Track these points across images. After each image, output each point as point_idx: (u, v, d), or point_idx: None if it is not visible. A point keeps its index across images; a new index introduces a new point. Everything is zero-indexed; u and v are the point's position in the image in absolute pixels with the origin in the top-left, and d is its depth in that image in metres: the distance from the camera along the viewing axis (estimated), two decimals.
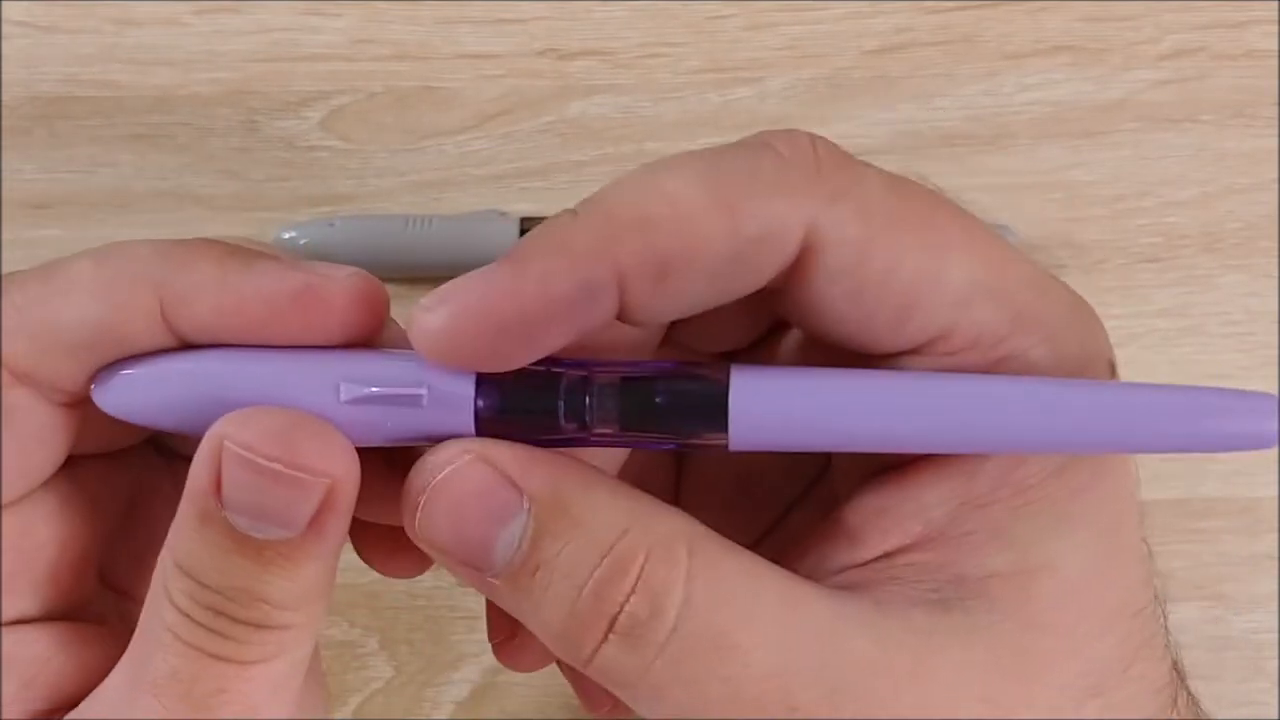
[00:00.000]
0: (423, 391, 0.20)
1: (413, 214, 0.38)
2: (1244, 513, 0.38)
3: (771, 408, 0.20)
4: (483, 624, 0.37)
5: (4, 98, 0.40)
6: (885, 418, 0.19)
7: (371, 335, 0.21)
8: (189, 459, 0.24)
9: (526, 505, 0.19)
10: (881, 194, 0.19)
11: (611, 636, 0.19)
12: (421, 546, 0.20)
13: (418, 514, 0.20)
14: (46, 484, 0.22)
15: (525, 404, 0.20)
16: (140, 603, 0.21)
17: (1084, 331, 0.20)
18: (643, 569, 0.19)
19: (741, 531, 0.24)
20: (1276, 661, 0.37)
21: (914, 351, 0.20)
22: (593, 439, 0.20)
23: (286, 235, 0.38)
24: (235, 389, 0.20)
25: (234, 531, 0.19)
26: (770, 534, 0.25)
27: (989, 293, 0.19)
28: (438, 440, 0.20)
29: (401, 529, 0.23)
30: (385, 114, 0.40)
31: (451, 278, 0.40)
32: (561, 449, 0.20)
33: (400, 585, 0.37)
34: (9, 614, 0.22)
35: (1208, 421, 0.19)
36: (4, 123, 0.39)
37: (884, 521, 0.20)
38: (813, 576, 0.21)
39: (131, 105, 0.40)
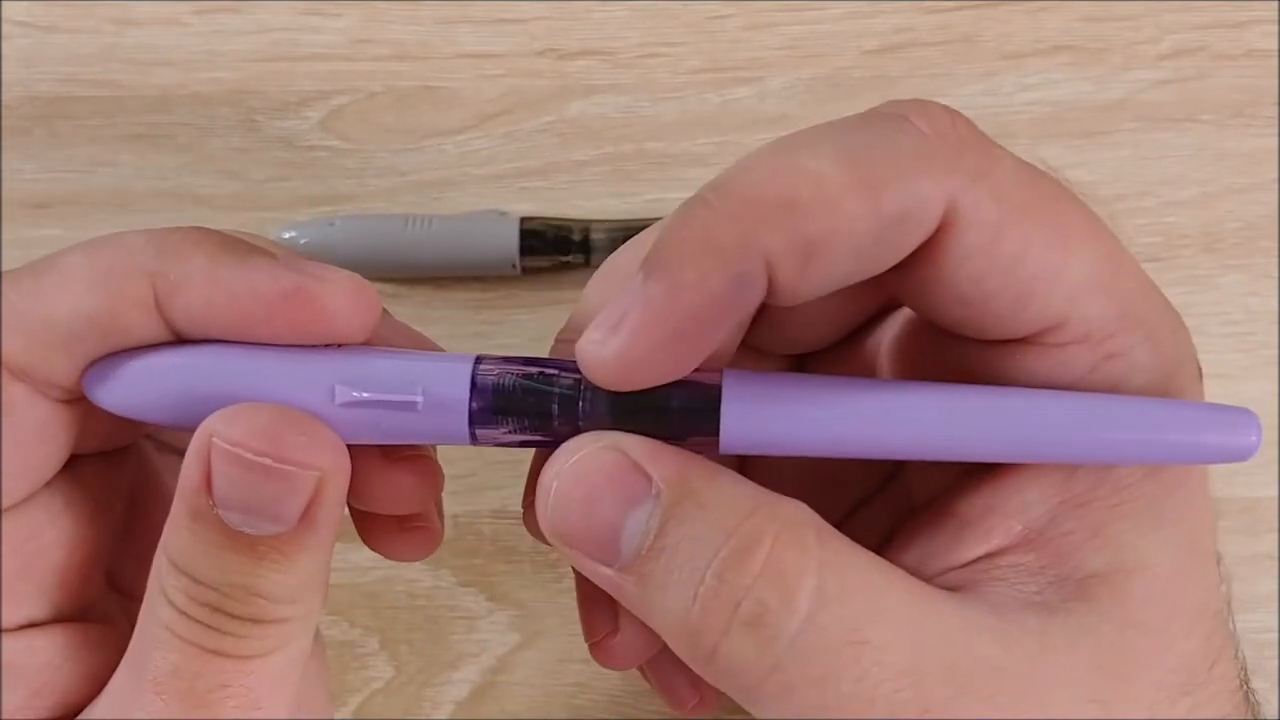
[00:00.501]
0: (418, 398, 0.20)
1: (413, 214, 0.38)
2: (1244, 513, 0.38)
3: (762, 412, 0.20)
4: (483, 624, 0.37)
5: (4, 98, 0.40)
6: (873, 425, 0.19)
7: (361, 337, 0.21)
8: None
9: (655, 491, 0.19)
10: (1015, 179, 0.19)
11: (737, 626, 0.18)
12: (550, 539, 0.20)
13: (549, 500, 0.20)
14: (50, 485, 0.22)
15: (519, 406, 0.20)
16: None
17: (1179, 334, 0.21)
18: (770, 551, 0.18)
19: None
20: (1276, 661, 0.37)
21: (1024, 341, 0.20)
22: None
23: (286, 235, 0.38)
24: (229, 386, 0.20)
25: (226, 528, 0.19)
26: (849, 531, 0.25)
27: (1103, 289, 0.19)
28: (433, 441, 0.21)
29: (403, 515, 0.23)
30: (385, 114, 0.40)
31: (451, 278, 0.40)
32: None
33: (400, 585, 0.37)
34: (16, 619, 0.22)
35: (1189, 435, 0.19)
36: (4, 123, 0.39)
37: (987, 521, 0.20)
38: (915, 573, 0.20)
39: (131, 105, 0.40)
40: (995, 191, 0.19)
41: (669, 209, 0.40)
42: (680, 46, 0.40)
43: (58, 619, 0.22)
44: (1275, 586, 0.37)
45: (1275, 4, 0.40)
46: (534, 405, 0.20)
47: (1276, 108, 0.40)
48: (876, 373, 0.24)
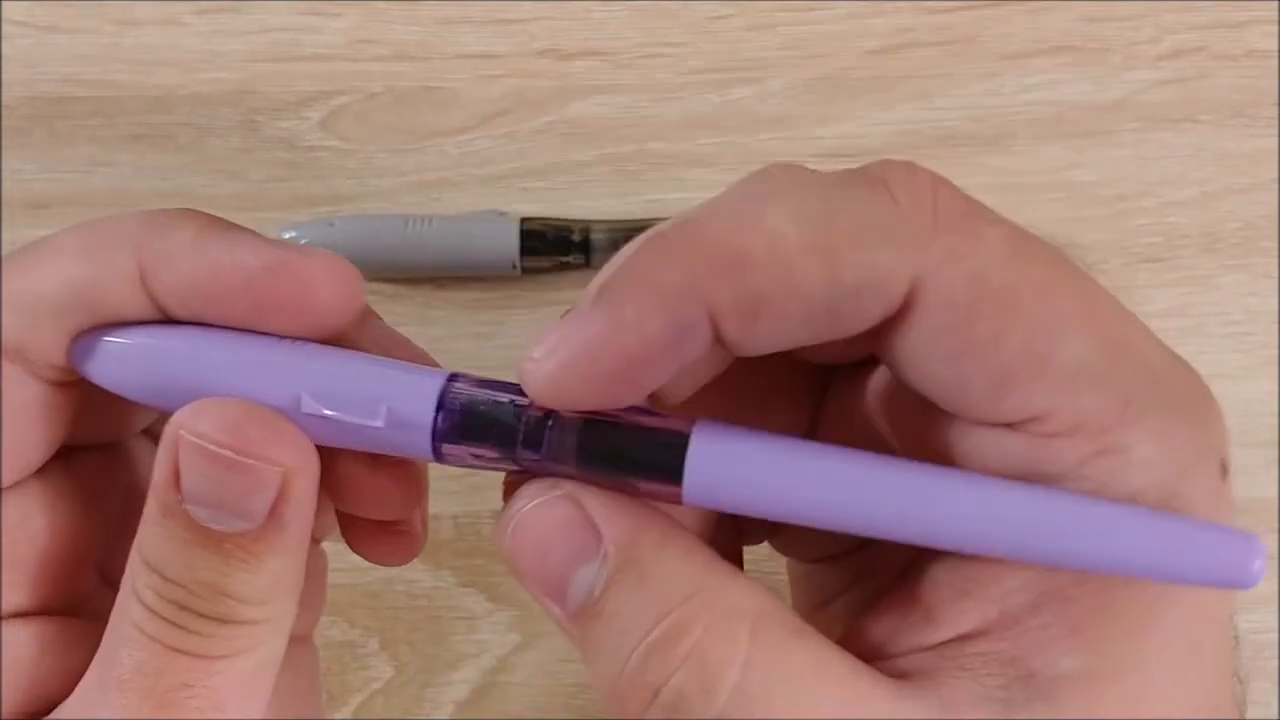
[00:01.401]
0: (379, 422, 0.20)
1: (413, 214, 0.38)
2: (1244, 513, 0.37)
3: (729, 471, 0.19)
4: (482, 624, 0.37)
5: (4, 98, 0.40)
6: (838, 499, 0.19)
7: (343, 319, 0.21)
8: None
9: (603, 552, 0.19)
10: (999, 257, 0.18)
11: (656, 709, 0.18)
12: (511, 573, 0.20)
13: (506, 538, 0.20)
14: (42, 473, 0.22)
15: (485, 432, 0.20)
16: None
17: (1198, 426, 0.19)
18: (698, 642, 0.18)
19: (831, 548, 0.23)
20: (1276, 661, 0.37)
21: (1007, 426, 0.19)
22: (549, 471, 0.20)
23: (286, 235, 0.38)
24: (201, 374, 0.20)
25: (195, 524, 0.19)
26: (856, 558, 0.24)
27: (1099, 379, 0.18)
28: (399, 454, 0.21)
29: (386, 521, 0.23)
30: (385, 114, 0.40)
31: (451, 278, 0.40)
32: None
33: (400, 585, 0.37)
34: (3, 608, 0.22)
35: (1188, 556, 0.18)
36: (4, 123, 0.39)
37: (962, 603, 0.19)
38: (882, 649, 0.20)
39: (131, 105, 0.40)
40: (970, 272, 0.18)
41: (669, 209, 0.40)
42: (680, 46, 0.40)
43: (43, 611, 0.22)
44: (1275, 586, 0.37)
45: (1275, 4, 0.40)
46: (499, 432, 0.20)
47: (1276, 108, 0.40)
48: (876, 408, 0.23)
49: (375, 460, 0.22)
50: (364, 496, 0.22)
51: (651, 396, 0.20)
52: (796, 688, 0.18)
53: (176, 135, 0.39)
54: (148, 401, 0.21)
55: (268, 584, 0.20)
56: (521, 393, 0.20)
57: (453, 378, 0.20)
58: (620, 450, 0.19)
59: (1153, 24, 0.40)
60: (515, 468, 0.20)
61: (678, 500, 0.19)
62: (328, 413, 0.20)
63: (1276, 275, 0.39)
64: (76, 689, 0.21)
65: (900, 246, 0.18)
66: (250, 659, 0.20)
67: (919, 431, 0.20)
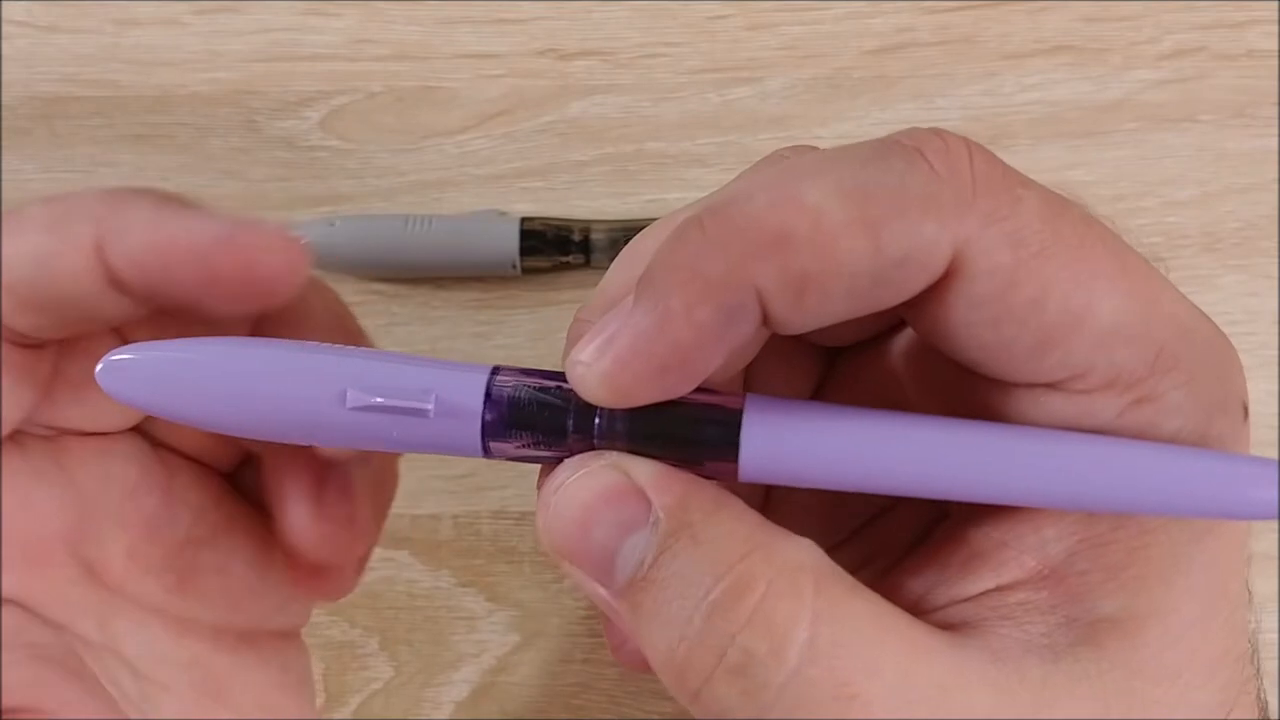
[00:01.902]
0: (429, 406, 0.20)
1: (413, 214, 0.38)
2: None
3: (783, 443, 0.19)
4: (483, 624, 0.37)
5: (4, 98, 0.40)
6: (892, 463, 0.19)
7: (289, 289, 0.21)
8: (177, 450, 0.23)
9: (653, 518, 0.19)
10: (1036, 219, 0.18)
11: (722, 673, 0.18)
12: (550, 552, 0.20)
13: (548, 515, 0.19)
14: (24, 450, 0.22)
15: (534, 420, 0.20)
16: (130, 598, 0.22)
17: (1222, 373, 0.20)
18: (762, 598, 0.18)
19: (834, 530, 0.23)
20: (1276, 661, 0.37)
21: (1047, 386, 0.19)
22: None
23: None
24: (239, 382, 0.20)
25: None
26: (864, 537, 0.24)
27: (1133, 332, 0.18)
28: (444, 451, 0.20)
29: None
30: (385, 114, 0.40)
31: (451, 278, 0.40)
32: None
33: (400, 585, 0.37)
34: None
35: (1209, 489, 0.18)
36: (4, 123, 0.39)
37: (1001, 554, 0.20)
38: (920, 604, 0.20)
39: (131, 105, 0.40)
40: (1011, 235, 0.18)
41: (669, 209, 0.40)
42: (680, 46, 0.40)
43: (10, 601, 0.22)
44: (1275, 586, 0.37)
45: (1275, 4, 0.40)
46: (549, 420, 0.20)
47: (1276, 108, 0.40)
48: (900, 380, 0.23)
49: (320, 507, 0.22)
50: (307, 540, 0.23)
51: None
52: (862, 641, 0.18)
53: (176, 135, 0.39)
54: (179, 418, 0.21)
55: None
56: (566, 379, 0.20)
57: (496, 370, 0.20)
58: (673, 430, 0.19)
59: (1153, 24, 0.40)
60: (562, 456, 0.20)
61: (733, 477, 0.19)
62: (377, 400, 0.19)
63: (1276, 275, 0.39)
64: None
65: (942, 215, 0.18)
66: None
67: (951, 399, 0.21)
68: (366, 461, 0.24)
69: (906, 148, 0.18)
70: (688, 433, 0.19)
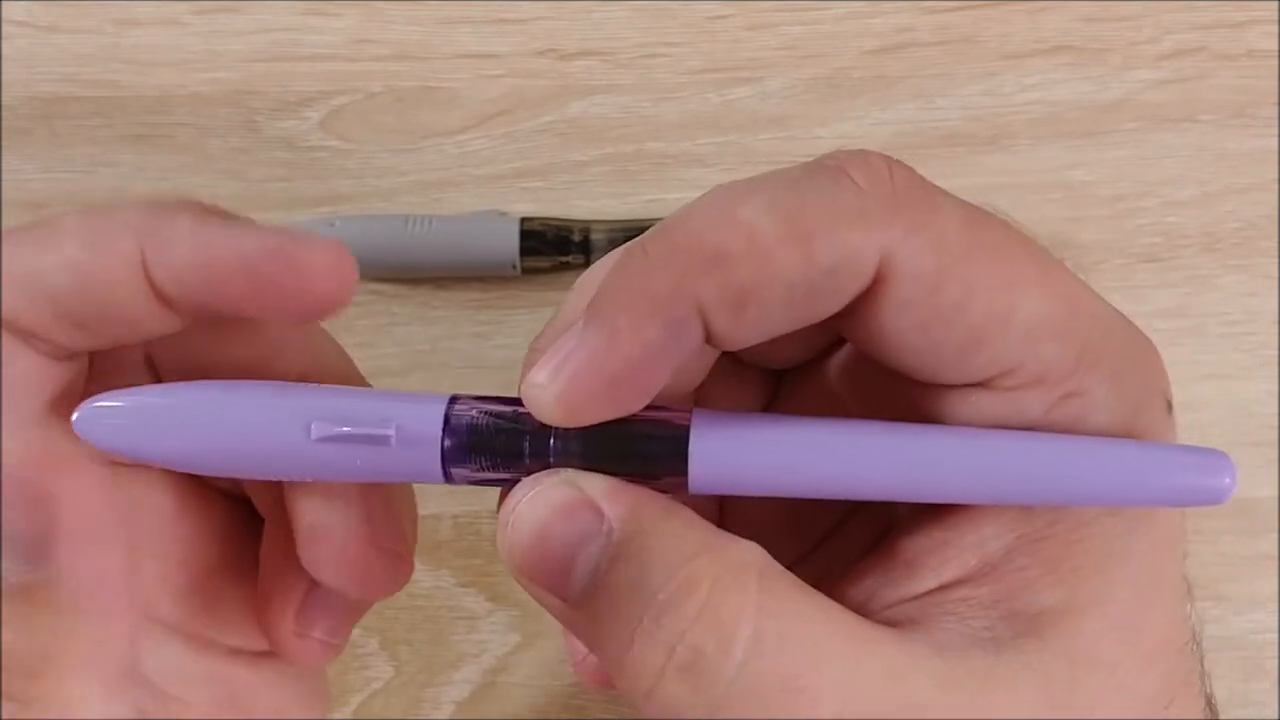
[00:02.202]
0: (390, 432, 0.20)
1: (413, 214, 0.38)
2: (1244, 513, 0.38)
3: (730, 454, 0.20)
4: (483, 624, 0.37)
5: (4, 98, 0.40)
6: (839, 468, 0.19)
7: (340, 302, 0.21)
8: (211, 482, 0.24)
9: (606, 528, 0.19)
10: (957, 226, 0.19)
11: (672, 670, 0.18)
12: (510, 570, 0.20)
13: (506, 534, 0.20)
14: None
15: (492, 445, 0.20)
16: (153, 618, 0.22)
17: (1145, 368, 0.20)
18: (709, 595, 0.18)
19: (788, 549, 0.24)
20: (1276, 661, 0.37)
21: (978, 385, 0.20)
22: None
23: None
24: (211, 424, 0.21)
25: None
26: (817, 555, 0.25)
27: (1057, 330, 0.19)
28: (407, 479, 0.21)
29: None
30: (385, 114, 0.40)
31: (452, 278, 0.40)
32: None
33: None
34: None
35: (1157, 478, 0.19)
36: (4, 123, 0.39)
37: (942, 553, 0.20)
38: (866, 606, 0.21)
39: (131, 105, 0.40)
40: (933, 241, 0.19)
41: (669, 209, 0.40)
42: (680, 46, 0.40)
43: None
44: (1275, 586, 0.37)
45: (1275, 4, 0.40)
46: (506, 444, 0.20)
47: (1276, 108, 0.40)
48: (841, 395, 0.24)
49: (304, 623, 0.23)
50: (288, 650, 0.23)
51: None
52: (808, 635, 0.18)
53: (176, 135, 0.39)
54: (153, 460, 0.21)
55: None
56: (520, 404, 0.20)
57: (454, 399, 0.21)
58: (625, 447, 0.20)
59: (1153, 24, 0.40)
60: (522, 479, 0.21)
61: (684, 489, 0.20)
62: (341, 429, 0.20)
63: (1276, 275, 0.39)
64: None
65: (867, 224, 0.19)
66: None
67: (888, 406, 0.21)
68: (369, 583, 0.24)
69: (831, 168, 0.20)
70: (639, 449, 0.20)
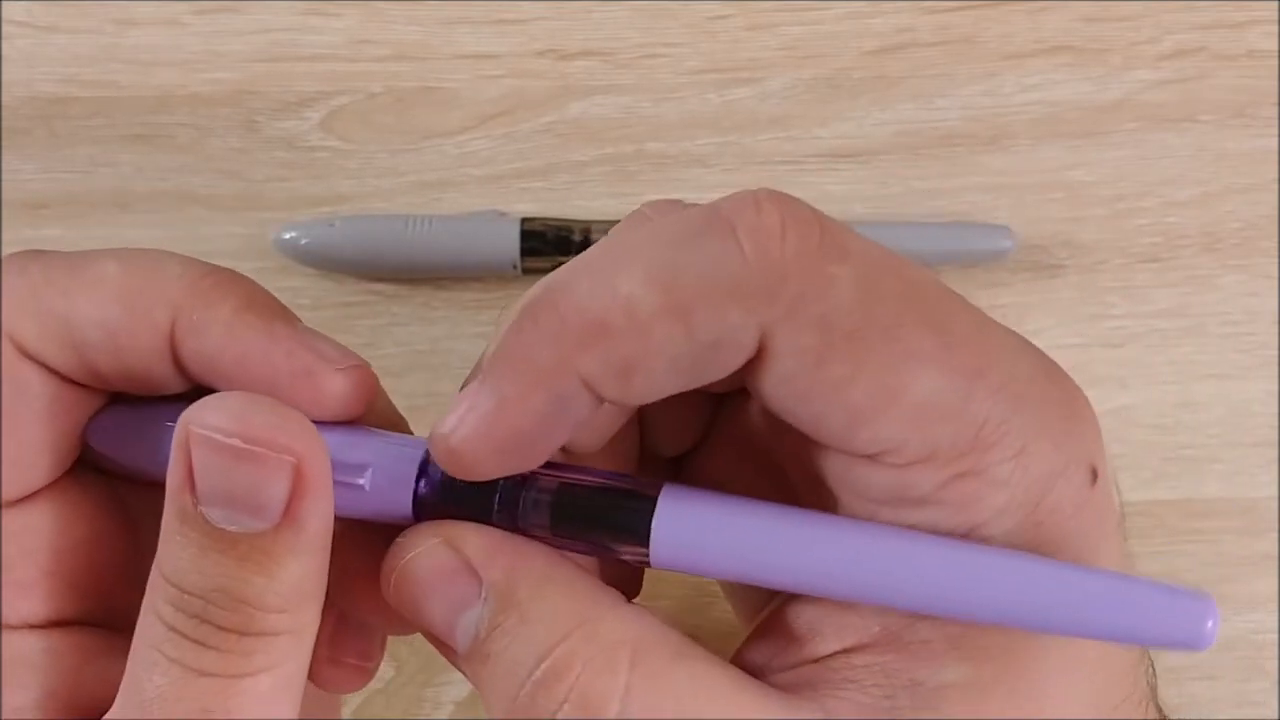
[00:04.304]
0: (363, 481, 0.20)
1: (413, 214, 0.38)
2: (1244, 513, 0.38)
3: (693, 535, 0.20)
4: None
5: (4, 98, 0.40)
6: (803, 563, 0.19)
7: (355, 419, 0.22)
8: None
9: (484, 595, 0.19)
10: (849, 300, 0.18)
11: None
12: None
13: (389, 589, 0.20)
14: (79, 480, 0.22)
15: (462, 498, 0.20)
16: None
17: (1062, 438, 0.19)
18: (578, 680, 0.18)
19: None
20: (1276, 661, 0.37)
21: (865, 457, 0.19)
22: (526, 534, 0.21)
23: (287, 235, 0.38)
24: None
25: (210, 528, 0.19)
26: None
27: (949, 410, 0.19)
28: (380, 520, 0.21)
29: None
30: (385, 114, 0.40)
31: (451, 278, 0.40)
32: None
33: None
34: (40, 615, 0.21)
35: (1138, 620, 0.18)
36: (4, 123, 0.39)
37: (845, 619, 0.20)
38: (765, 668, 0.21)
39: (131, 105, 0.40)
40: (819, 319, 0.18)
41: None
42: (680, 46, 0.40)
43: (84, 620, 0.22)
44: (1275, 586, 0.37)
45: (1275, 4, 0.40)
46: (477, 499, 0.20)
47: (1276, 108, 0.40)
48: (767, 427, 0.23)
49: (334, 650, 0.23)
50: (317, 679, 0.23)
51: (564, 450, 0.21)
52: (679, 709, 0.18)
53: (176, 135, 0.39)
54: (155, 476, 0.21)
55: (288, 589, 0.19)
56: None
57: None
58: (590, 517, 0.20)
59: (1153, 24, 0.40)
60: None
61: (646, 564, 0.20)
62: None
63: (1276, 275, 0.39)
64: (107, 716, 0.20)
65: (746, 302, 0.18)
66: (270, 679, 0.20)
67: (799, 454, 0.21)
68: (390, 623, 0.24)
69: (721, 224, 0.19)
70: (605, 521, 0.20)
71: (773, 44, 0.40)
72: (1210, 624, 0.17)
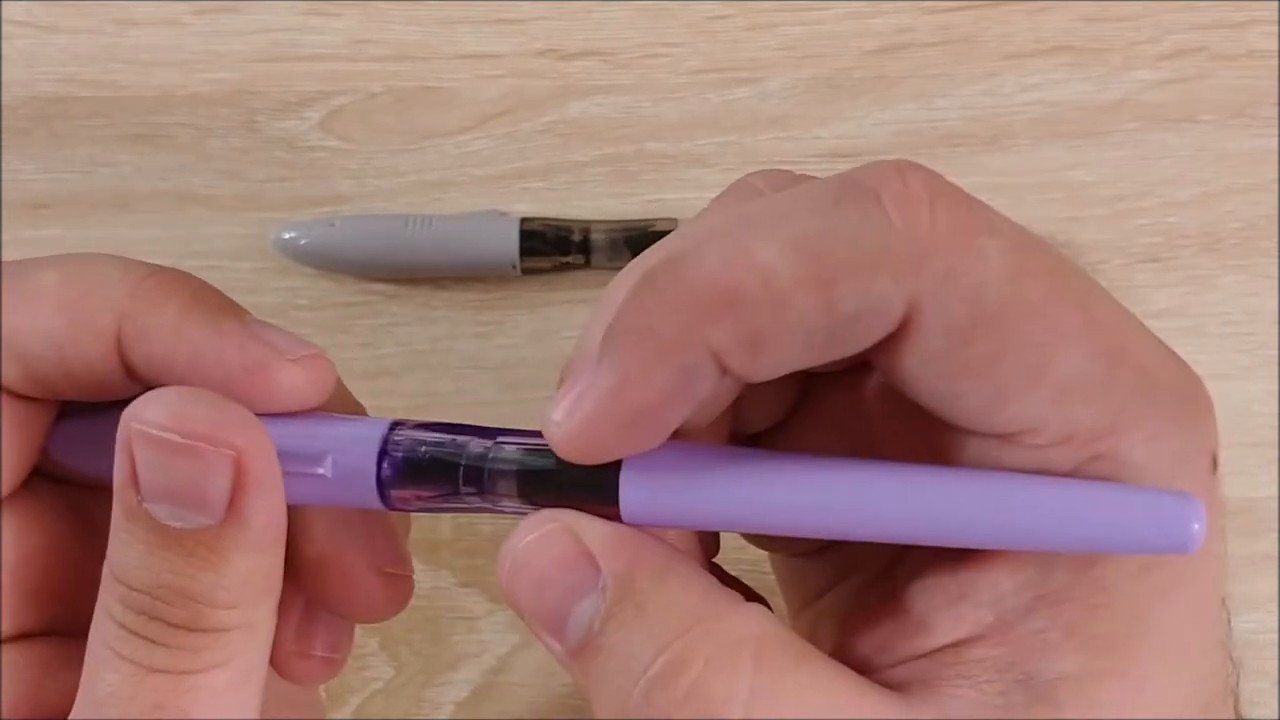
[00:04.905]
0: (324, 471, 0.20)
1: (413, 214, 0.38)
2: (1244, 513, 0.38)
3: (662, 484, 0.19)
4: (483, 624, 0.37)
5: (4, 98, 0.40)
6: (772, 502, 0.19)
7: (314, 408, 0.21)
8: None
9: (601, 585, 0.19)
10: (998, 274, 0.18)
11: None
12: (511, 607, 0.20)
13: (504, 575, 0.20)
14: (36, 491, 0.22)
15: (426, 475, 0.20)
16: None
17: (1190, 427, 0.19)
18: (699, 676, 0.18)
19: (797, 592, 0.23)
20: (1276, 661, 0.37)
21: (1000, 438, 0.19)
22: (494, 508, 0.20)
23: (287, 235, 0.38)
24: None
25: (156, 525, 0.19)
26: (829, 598, 0.24)
27: (1092, 392, 0.18)
28: (347, 504, 0.21)
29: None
30: (385, 114, 0.40)
31: (452, 278, 0.40)
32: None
33: None
34: (4, 629, 0.21)
35: (1127, 524, 0.18)
36: (4, 123, 0.39)
37: (957, 609, 0.19)
38: (875, 660, 0.20)
39: (131, 105, 0.40)
40: (969, 292, 0.18)
41: (669, 209, 0.40)
42: (680, 46, 0.40)
43: (45, 630, 0.22)
44: (1275, 586, 0.37)
45: (1275, 4, 0.40)
46: (441, 474, 0.20)
47: (1276, 108, 0.40)
48: (869, 411, 0.23)
49: (303, 642, 0.23)
50: (287, 670, 0.23)
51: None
52: (803, 710, 0.18)
53: (176, 135, 0.39)
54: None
55: (237, 584, 0.19)
56: (463, 432, 0.20)
57: (394, 426, 0.21)
58: (556, 484, 0.20)
59: (1153, 24, 0.40)
60: (463, 506, 0.20)
61: (618, 520, 0.19)
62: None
63: (1276, 275, 0.39)
64: (68, 717, 0.20)
65: (896, 271, 0.17)
66: (223, 674, 0.19)
67: (914, 436, 0.21)
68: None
69: (865, 192, 0.18)
70: (572, 479, 0.20)
71: (773, 44, 0.40)
72: (1197, 526, 0.17)
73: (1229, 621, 0.21)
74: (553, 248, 0.38)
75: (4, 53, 0.40)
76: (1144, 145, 0.40)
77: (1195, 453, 0.19)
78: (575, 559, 0.19)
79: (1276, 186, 0.39)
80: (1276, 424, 0.38)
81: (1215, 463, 0.19)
